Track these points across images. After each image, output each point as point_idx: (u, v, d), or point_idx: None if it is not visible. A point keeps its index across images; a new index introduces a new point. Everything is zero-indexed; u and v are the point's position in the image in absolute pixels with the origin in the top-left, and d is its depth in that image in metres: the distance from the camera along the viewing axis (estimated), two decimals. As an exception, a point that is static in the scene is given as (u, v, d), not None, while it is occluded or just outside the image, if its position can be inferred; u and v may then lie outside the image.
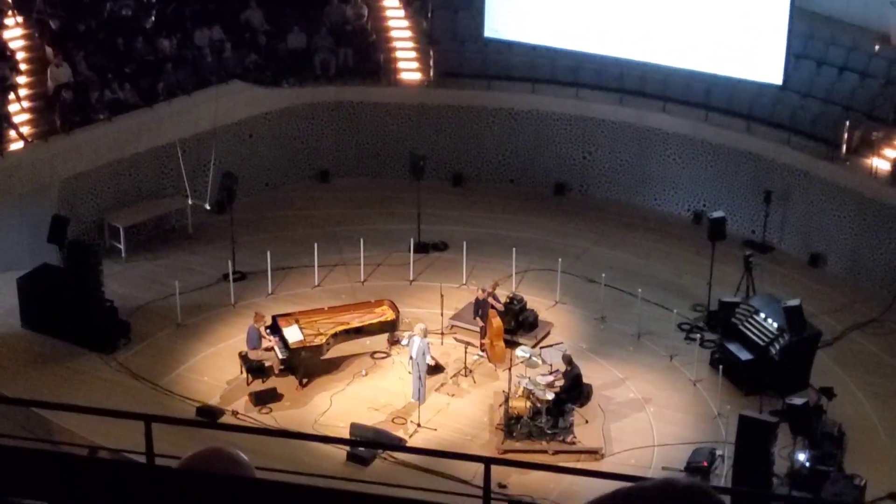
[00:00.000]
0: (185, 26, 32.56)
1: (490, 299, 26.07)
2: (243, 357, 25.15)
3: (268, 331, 25.35)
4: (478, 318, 26.08)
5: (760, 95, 30.96)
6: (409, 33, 34.40)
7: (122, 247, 29.71)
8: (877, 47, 31.21)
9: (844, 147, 29.51)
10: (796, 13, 29.71)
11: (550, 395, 23.53)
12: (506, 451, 23.05)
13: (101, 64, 30.75)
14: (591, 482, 21.71)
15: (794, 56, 30.70)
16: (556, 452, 23.19)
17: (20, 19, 30.66)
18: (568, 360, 24.20)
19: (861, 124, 29.70)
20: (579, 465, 22.64)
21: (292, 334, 25.12)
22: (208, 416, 23.56)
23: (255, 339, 25.14)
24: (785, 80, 30.21)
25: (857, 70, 30.96)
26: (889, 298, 28.52)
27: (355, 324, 25.89)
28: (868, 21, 31.78)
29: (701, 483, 3.18)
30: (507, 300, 26.59)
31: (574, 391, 24.02)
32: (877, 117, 29.93)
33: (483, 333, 25.94)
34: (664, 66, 31.55)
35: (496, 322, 25.65)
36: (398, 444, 23.06)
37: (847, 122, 29.53)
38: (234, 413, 24.19)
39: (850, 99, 30.38)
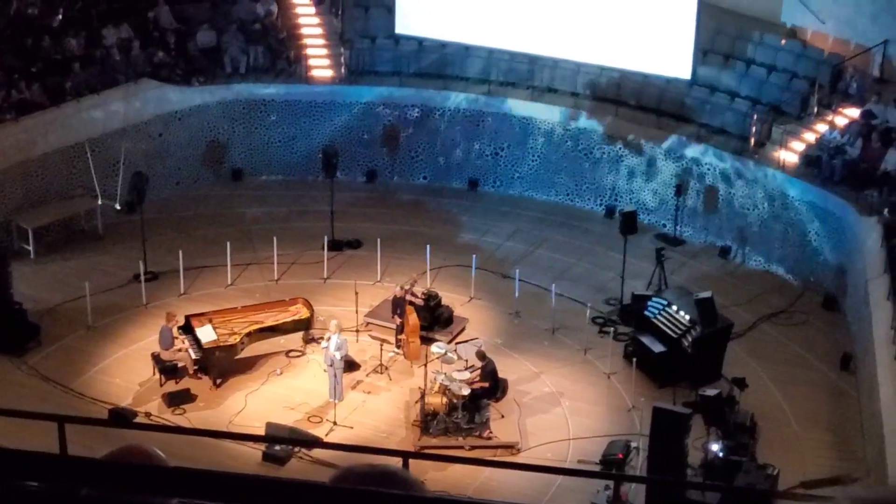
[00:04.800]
0: (92, 25, 32.22)
1: (408, 296, 26.08)
2: (156, 358, 24.94)
3: (180, 331, 25.15)
4: (395, 316, 26.05)
5: (669, 90, 31.24)
6: (319, 30, 34.27)
7: (30, 248, 29.31)
8: (783, 42, 31.61)
9: (753, 140, 29.86)
10: (704, 8, 29.99)
11: (466, 391, 23.58)
12: (422, 448, 23.02)
13: (7, 64, 30.33)
14: (508, 476, 21.86)
15: (702, 51, 31.01)
16: (473, 448, 23.23)
17: (-77, 19, 30.20)
18: (481, 356, 24.29)
19: (769, 118, 30.07)
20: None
21: (205, 334, 24.93)
22: (121, 419, 23.30)
23: (167, 340, 24.92)
24: (693, 75, 30.52)
25: (764, 64, 31.34)
26: (798, 289, 28.92)
27: (269, 322, 25.76)
28: (775, 15, 32.18)
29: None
30: (423, 297, 26.60)
31: (489, 386, 24.09)
32: (784, 111, 30.33)
33: (400, 330, 25.93)
34: (574, 62, 31.76)
35: (413, 319, 25.65)
36: (315, 441, 22.97)
37: (755, 116, 29.89)
38: (148, 415, 23.97)
39: (758, 93, 30.74)
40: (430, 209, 32.24)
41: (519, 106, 32.58)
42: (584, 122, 31.91)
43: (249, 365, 25.52)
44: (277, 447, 22.89)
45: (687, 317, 25.19)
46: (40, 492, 3.10)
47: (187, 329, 25.17)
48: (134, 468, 2.94)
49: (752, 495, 20.33)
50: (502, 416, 24.23)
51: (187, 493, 2.82)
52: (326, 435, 23.49)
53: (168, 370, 24.82)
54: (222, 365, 24.96)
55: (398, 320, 25.96)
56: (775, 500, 19.57)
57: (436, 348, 24.91)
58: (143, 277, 27.88)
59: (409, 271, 28.01)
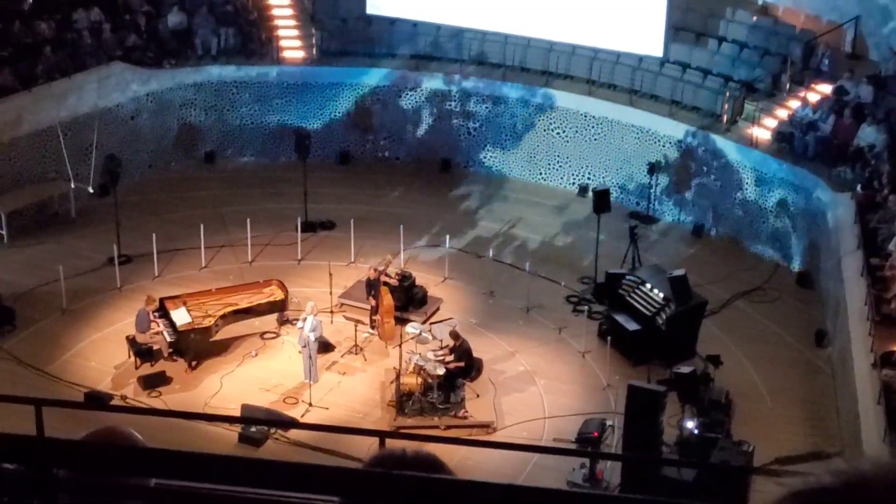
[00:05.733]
0: (63, 8, 32.04)
1: (383, 277, 26.05)
2: (131, 341, 24.88)
3: (156, 314, 25.08)
4: (370, 297, 26.02)
5: (641, 68, 31.27)
6: (290, 11, 34.18)
7: (3, 232, 29.20)
8: (755, 18, 31.66)
9: (725, 118, 29.92)
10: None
11: (441, 371, 23.60)
12: (398, 428, 23.03)
13: (-23, 48, 30.20)
14: (484, 456, 21.86)
15: (674, 28, 31.02)
16: (448, 427, 23.25)
17: None
18: (455, 336, 24.28)
19: (741, 95, 30.13)
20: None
21: (180, 317, 24.88)
22: (97, 402, 23.26)
23: (143, 323, 24.85)
24: (665, 53, 30.54)
25: (736, 41, 31.38)
26: (772, 266, 29.01)
27: (244, 304, 25.72)
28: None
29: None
30: (397, 277, 26.59)
31: (464, 366, 24.10)
32: (756, 88, 30.40)
33: (374, 311, 25.92)
34: (547, 41, 31.75)
35: (387, 300, 25.63)
36: (291, 422, 22.96)
37: (727, 93, 29.94)
38: (123, 398, 23.91)
39: (730, 70, 30.79)
40: (403, 189, 32.20)
41: (491, 85, 32.56)
42: (557, 100, 31.90)
43: (224, 347, 25.49)
44: (253, 429, 22.87)
45: (661, 295, 25.25)
46: (17, 474, 3.10)
47: (162, 312, 25.12)
48: (111, 449, 2.95)
49: (728, 472, 20.42)
50: (477, 396, 24.26)
51: (165, 473, 2.83)
52: (302, 416, 23.49)
53: (143, 353, 24.76)
54: (197, 347, 24.91)
55: (372, 301, 25.94)
56: (751, 477, 19.64)
57: (410, 329, 24.92)
58: (117, 260, 27.81)
59: (382, 252, 27.97)
